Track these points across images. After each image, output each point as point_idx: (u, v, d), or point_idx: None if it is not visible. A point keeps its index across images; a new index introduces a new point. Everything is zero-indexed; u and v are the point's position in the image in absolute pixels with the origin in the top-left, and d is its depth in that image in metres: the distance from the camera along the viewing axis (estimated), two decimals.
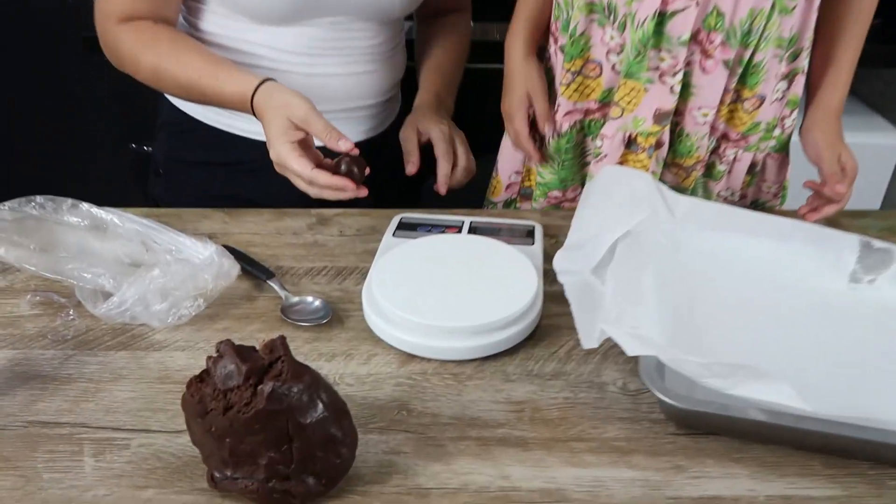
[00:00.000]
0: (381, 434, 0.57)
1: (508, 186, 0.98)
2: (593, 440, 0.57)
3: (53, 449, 0.55)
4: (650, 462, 0.55)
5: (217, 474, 0.50)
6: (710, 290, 0.69)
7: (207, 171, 0.97)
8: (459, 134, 0.93)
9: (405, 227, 0.82)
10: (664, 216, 0.75)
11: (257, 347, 0.50)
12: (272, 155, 0.76)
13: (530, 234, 0.81)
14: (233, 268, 0.73)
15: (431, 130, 0.91)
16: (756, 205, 0.94)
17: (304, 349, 0.66)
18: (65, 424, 0.58)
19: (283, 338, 0.50)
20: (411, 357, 0.65)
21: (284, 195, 0.90)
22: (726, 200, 0.91)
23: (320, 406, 0.48)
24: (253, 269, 0.75)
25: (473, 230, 0.81)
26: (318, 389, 0.49)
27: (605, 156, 0.84)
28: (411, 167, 0.89)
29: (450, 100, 1.00)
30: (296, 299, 0.71)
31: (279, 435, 0.47)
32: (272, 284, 0.73)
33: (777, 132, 0.86)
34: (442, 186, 0.89)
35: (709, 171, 0.88)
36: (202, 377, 0.49)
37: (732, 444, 0.56)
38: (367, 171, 0.77)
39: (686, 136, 0.83)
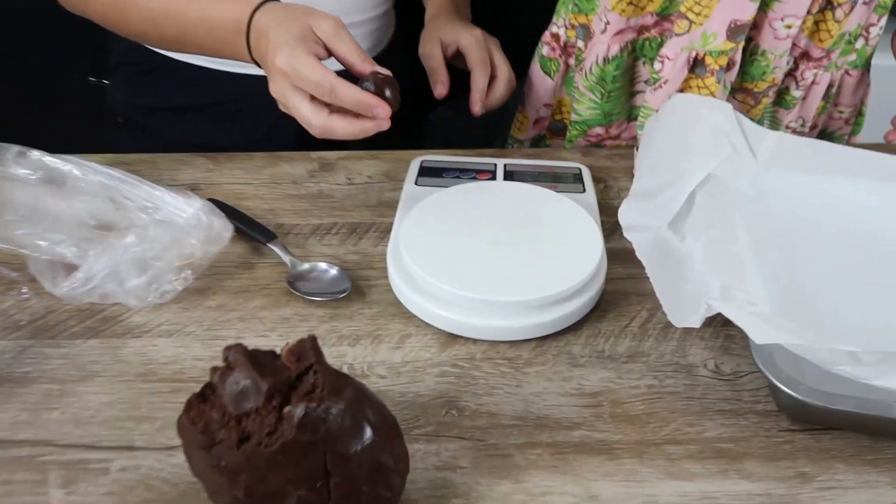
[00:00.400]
0: (428, 443, 0.45)
1: (537, 122, 0.84)
2: (693, 442, 0.46)
3: (8, 478, 0.43)
4: (767, 469, 0.44)
5: None
6: (810, 247, 0.57)
7: (177, 118, 0.81)
8: (494, 40, 0.77)
9: (428, 173, 0.68)
10: (746, 156, 0.62)
11: (279, 353, 0.37)
12: (280, 62, 0.55)
13: (577, 178, 0.68)
14: (224, 229, 0.60)
15: (461, 37, 0.75)
16: (824, 135, 0.82)
17: (319, 330, 0.54)
18: (22, 443, 0.45)
19: (313, 339, 0.37)
20: (454, 338, 0.53)
21: (274, 141, 0.76)
22: (794, 133, 0.78)
23: (367, 430, 0.36)
24: (249, 230, 0.62)
25: (509, 175, 0.68)
26: (363, 407, 0.37)
27: (666, 82, 0.70)
28: (441, 88, 0.73)
29: (467, 10, 0.84)
30: (305, 266, 0.59)
31: (313, 469, 0.35)
32: (274, 248, 0.60)
33: (860, 44, 0.73)
34: (477, 104, 0.73)
35: (780, 97, 0.75)
36: (205, 394, 0.36)
37: (860, 440, 0.46)
38: (398, 91, 0.58)
39: (761, 54, 0.70)
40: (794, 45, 0.70)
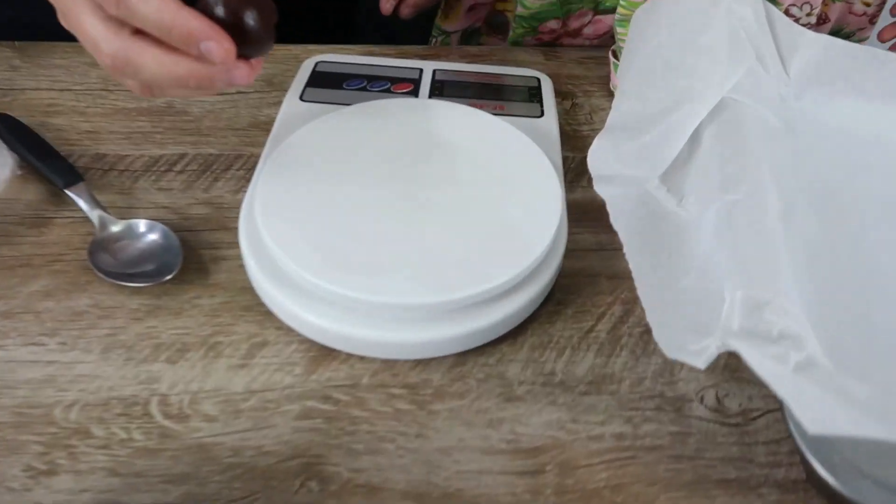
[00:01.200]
0: None
1: (472, 8, 0.63)
2: None
3: None
4: None
5: None
6: (859, 215, 0.39)
7: None
8: None
9: (322, 82, 0.48)
10: (774, 70, 0.42)
11: None
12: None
13: (534, 94, 0.49)
14: (2, 165, 0.40)
15: None
16: (840, 36, 0.62)
17: (126, 336, 0.35)
18: None
19: None
20: (329, 353, 0.35)
21: None
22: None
23: None
24: (44, 166, 0.42)
25: (438, 88, 0.48)
26: None
27: None
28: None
29: None
30: (118, 227, 0.39)
31: None
32: (74, 197, 0.40)
33: None
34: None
35: None
36: None
37: None
38: (275, 19, 0.33)
39: None
40: None
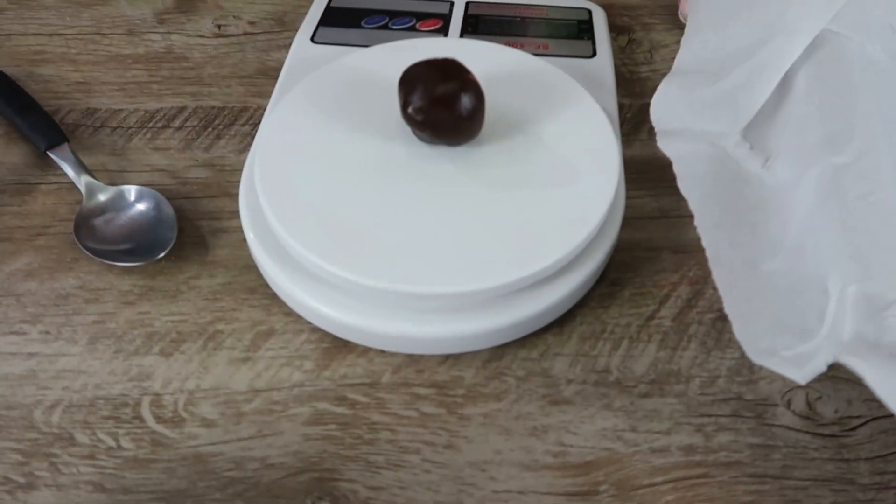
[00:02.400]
0: None
1: None
2: None
3: None
4: None
5: None
6: None
7: None
8: None
9: (337, 20, 0.41)
10: None
11: None
12: None
13: (584, 29, 0.41)
14: None
15: None
16: None
17: (116, 324, 0.31)
18: None
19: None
20: (345, 346, 0.30)
21: None
22: None
23: None
24: (25, 124, 0.37)
25: (471, 24, 0.41)
26: None
27: None
28: None
29: None
30: (107, 195, 0.34)
31: None
32: (59, 160, 0.35)
33: None
34: None
35: None
36: None
37: None
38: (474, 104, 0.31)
39: None
40: None
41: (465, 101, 0.30)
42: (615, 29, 0.45)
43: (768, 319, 0.25)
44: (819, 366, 0.22)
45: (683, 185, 0.30)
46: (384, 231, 0.29)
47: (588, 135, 0.33)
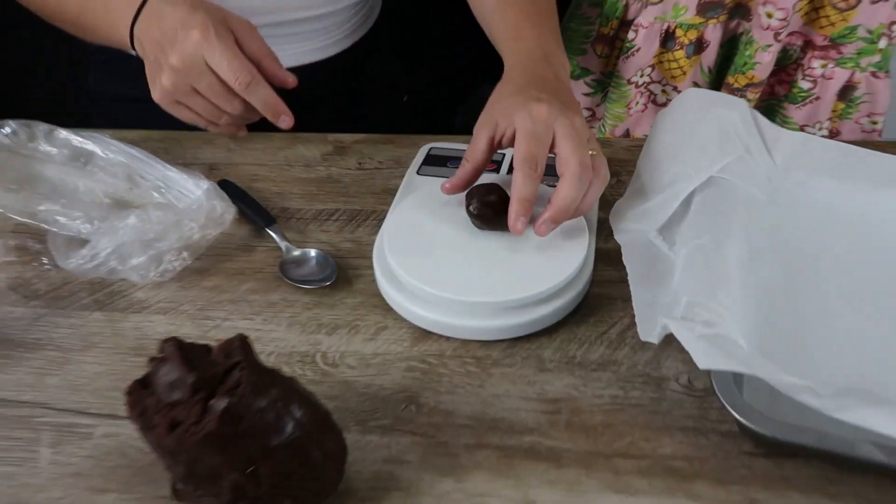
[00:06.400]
0: (382, 436, 0.47)
1: None
2: (645, 457, 0.45)
3: (7, 435, 0.48)
4: (717, 492, 0.43)
5: (180, 486, 0.41)
6: (820, 265, 0.54)
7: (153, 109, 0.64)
8: (568, 117, 0.55)
9: (433, 161, 0.68)
10: (761, 159, 0.59)
11: (213, 346, 0.39)
12: (197, 37, 0.56)
13: None
14: (227, 212, 0.62)
15: (516, 117, 0.55)
16: None
17: (301, 317, 0.56)
18: (24, 404, 0.50)
19: (243, 338, 0.39)
20: (427, 334, 0.54)
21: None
22: None
23: (290, 425, 0.38)
24: (251, 213, 0.64)
25: None
26: (288, 404, 0.38)
27: (638, 50, 0.67)
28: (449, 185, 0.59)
29: (560, 53, 0.63)
30: (297, 252, 0.61)
31: (240, 457, 0.38)
32: (271, 233, 0.62)
33: (883, 43, 0.67)
34: (517, 220, 0.53)
35: (789, 88, 0.70)
36: (146, 381, 0.39)
37: (825, 471, 0.44)
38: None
39: (747, 43, 0.65)
40: (795, 32, 0.65)
41: (502, 204, 0.54)
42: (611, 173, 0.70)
43: (650, 322, 0.47)
44: (660, 331, 0.44)
45: (626, 258, 0.54)
46: (453, 269, 0.53)
47: (573, 231, 0.57)
